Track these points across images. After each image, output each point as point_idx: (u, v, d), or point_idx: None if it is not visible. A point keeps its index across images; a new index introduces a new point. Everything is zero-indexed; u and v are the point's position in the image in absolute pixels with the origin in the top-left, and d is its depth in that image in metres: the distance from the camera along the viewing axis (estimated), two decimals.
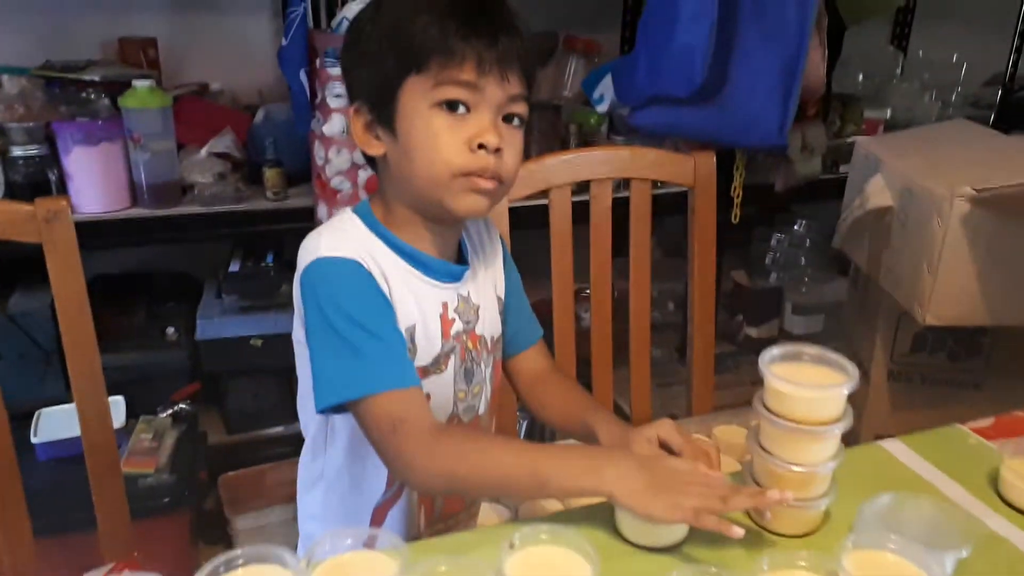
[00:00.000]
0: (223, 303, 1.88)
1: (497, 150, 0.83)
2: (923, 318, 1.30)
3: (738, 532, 0.75)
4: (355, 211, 0.92)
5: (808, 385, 0.79)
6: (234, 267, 1.88)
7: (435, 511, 1.00)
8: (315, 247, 0.86)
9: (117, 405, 1.68)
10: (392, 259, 0.89)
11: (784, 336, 2.53)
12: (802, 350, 0.83)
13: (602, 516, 0.84)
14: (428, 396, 0.91)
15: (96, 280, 2.05)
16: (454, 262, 0.95)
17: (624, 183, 1.45)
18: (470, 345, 0.95)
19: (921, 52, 2.82)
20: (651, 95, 1.91)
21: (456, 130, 0.82)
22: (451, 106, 0.82)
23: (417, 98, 0.82)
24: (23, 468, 1.09)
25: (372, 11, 0.86)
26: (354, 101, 0.88)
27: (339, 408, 0.84)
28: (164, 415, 1.74)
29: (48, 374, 1.76)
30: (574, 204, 1.37)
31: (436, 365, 0.92)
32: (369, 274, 0.85)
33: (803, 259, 2.60)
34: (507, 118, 0.85)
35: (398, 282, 0.88)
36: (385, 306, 0.86)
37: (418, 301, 0.89)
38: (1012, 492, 0.87)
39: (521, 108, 0.86)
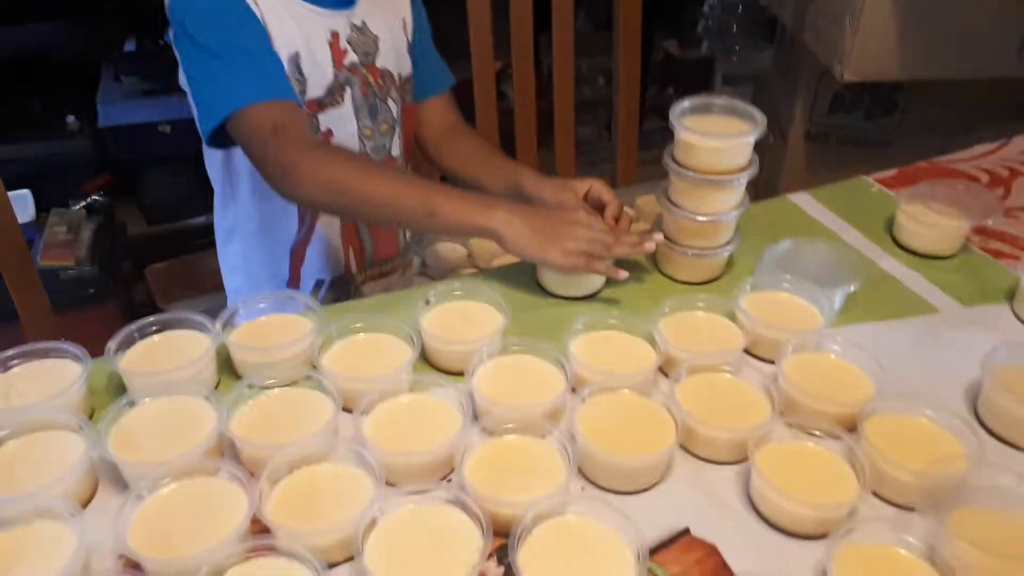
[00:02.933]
0: (123, 87, 1.76)
1: None
2: (842, 74, 1.30)
3: (623, 274, 0.81)
4: None
5: (714, 135, 0.78)
6: (130, 47, 1.73)
7: (365, 254, 1.01)
8: None
9: (24, 199, 1.61)
10: None
11: None
12: (712, 101, 0.82)
13: (515, 275, 0.86)
14: (330, 132, 0.89)
15: None
16: None
17: None
18: (371, 79, 0.92)
19: None
20: None
21: None
22: None
23: None
24: None
25: None
26: None
27: (225, 137, 0.81)
28: (77, 207, 1.68)
29: None
30: None
31: (331, 96, 0.89)
32: None
33: (735, 27, 2.52)
34: None
35: (273, 4, 0.83)
36: (255, 24, 0.82)
37: (300, 26, 0.85)
38: (903, 234, 0.92)
39: None
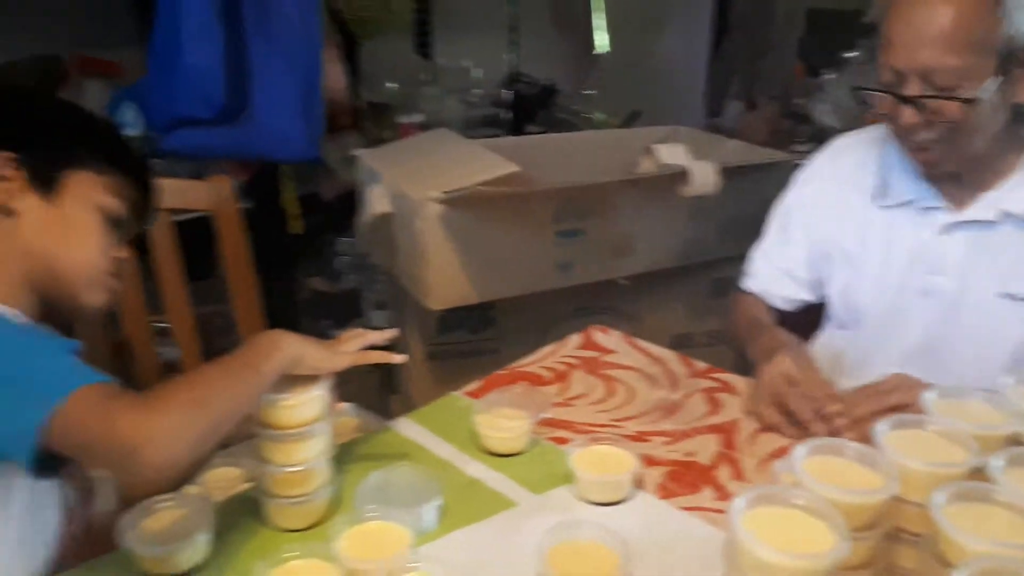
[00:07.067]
0: None
1: None
2: (429, 304, 1.50)
3: (400, 358, 1.00)
4: None
5: (282, 394, 0.86)
6: None
7: None
8: None
9: None
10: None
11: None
12: None
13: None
14: None
15: None
16: None
17: None
18: None
19: (444, 60, 3.16)
20: (176, 117, 1.88)
21: (110, 234, 0.89)
22: (114, 219, 0.89)
23: (88, 189, 0.87)
24: None
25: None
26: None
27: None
28: None
29: None
30: None
31: None
32: None
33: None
34: None
35: None
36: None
37: None
38: (484, 440, 1.05)
39: None
